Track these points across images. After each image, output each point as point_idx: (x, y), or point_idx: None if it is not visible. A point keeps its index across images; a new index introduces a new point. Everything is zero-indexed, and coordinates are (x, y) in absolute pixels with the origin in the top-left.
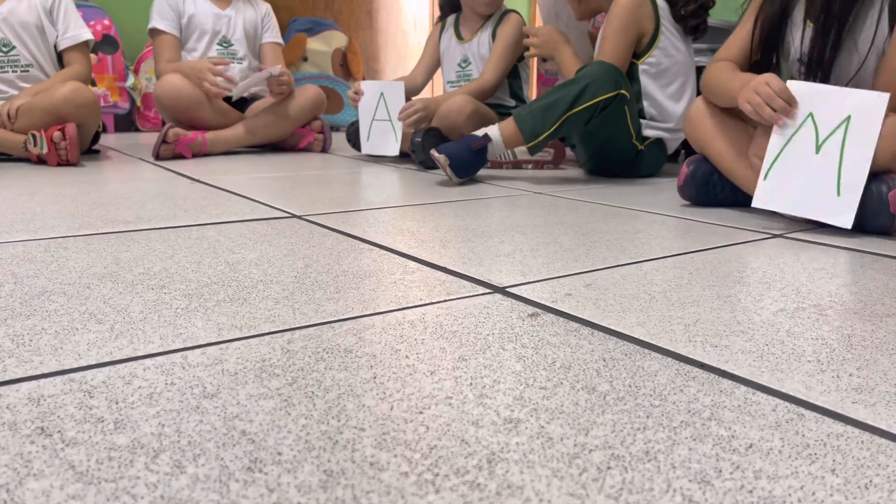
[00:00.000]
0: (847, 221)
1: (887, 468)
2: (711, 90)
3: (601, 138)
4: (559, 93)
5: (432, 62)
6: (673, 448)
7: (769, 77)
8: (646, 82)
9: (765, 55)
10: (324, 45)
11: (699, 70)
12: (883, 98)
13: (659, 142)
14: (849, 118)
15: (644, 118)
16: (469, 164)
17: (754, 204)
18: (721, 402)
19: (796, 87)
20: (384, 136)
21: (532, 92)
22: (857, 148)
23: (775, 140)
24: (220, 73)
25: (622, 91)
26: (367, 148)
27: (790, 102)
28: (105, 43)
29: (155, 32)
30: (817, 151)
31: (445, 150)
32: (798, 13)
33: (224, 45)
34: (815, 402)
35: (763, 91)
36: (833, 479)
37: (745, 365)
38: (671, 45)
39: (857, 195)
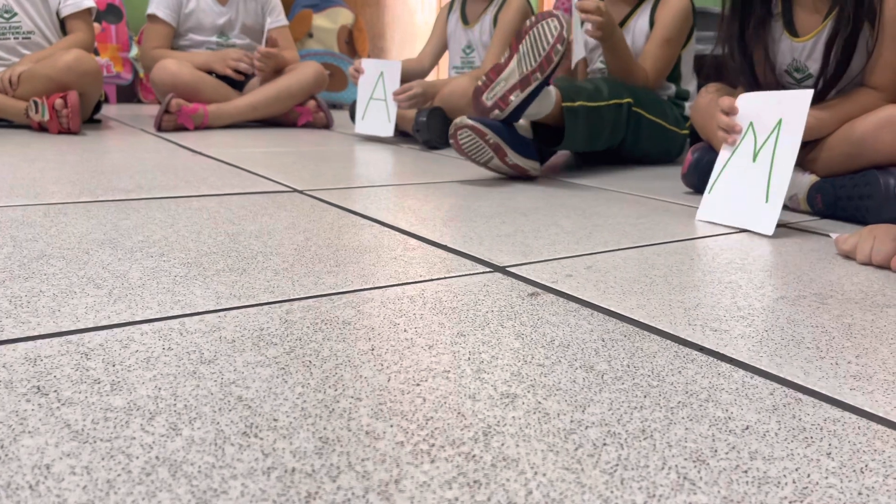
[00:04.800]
0: (769, 228)
1: (883, 453)
2: (702, 129)
3: (640, 146)
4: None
5: (440, 44)
6: (669, 427)
7: (721, 100)
8: (685, 68)
9: (743, 75)
10: (329, 22)
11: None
12: (807, 94)
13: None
14: (780, 122)
15: (689, 100)
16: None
17: (698, 218)
18: (719, 385)
19: (742, 98)
20: (378, 116)
21: None
22: (785, 151)
23: (723, 154)
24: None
25: (627, 100)
26: (360, 127)
27: (730, 112)
28: (109, 12)
29: (152, 18)
30: (754, 160)
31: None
32: (776, 28)
33: (222, 37)
34: (813, 387)
35: (713, 110)
36: (829, 462)
37: (745, 349)
38: (692, 41)
39: (781, 199)
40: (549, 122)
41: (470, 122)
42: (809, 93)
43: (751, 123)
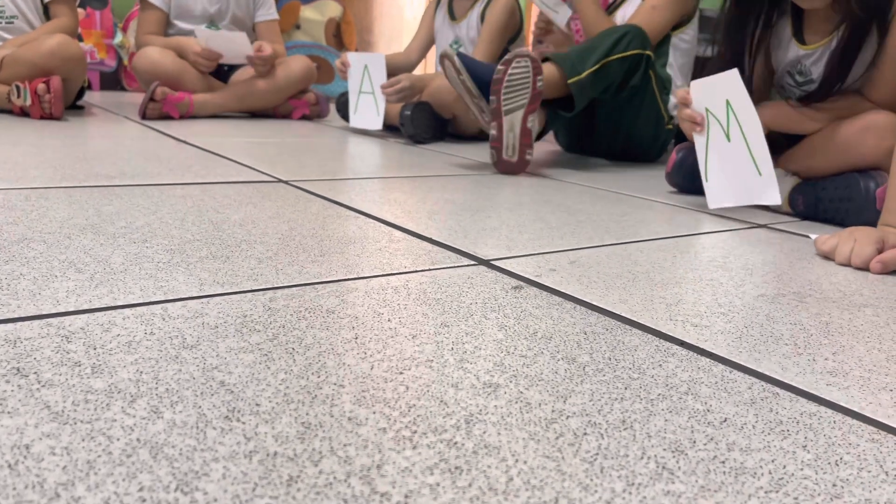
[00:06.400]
0: (774, 198)
1: (858, 447)
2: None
3: (632, 112)
4: (595, 41)
5: (427, 39)
6: (649, 419)
7: (676, 94)
8: (674, 53)
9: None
10: (317, 14)
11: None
12: (733, 74)
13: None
14: (728, 102)
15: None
16: (483, 76)
17: (710, 206)
18: (699, 378)
19: (694, 85)
20: (368, 110)
21: None
22: (749, 125)
23: (698, 141)
24: (206, 55)
25: (648, 52)
26: (354, 121)
27: (684, 103)
28: None
29: (145, 4)
30: (728, 139)
31: (465, 59)
32: (784, 32)
33: (212, 27)
34: (791, 382)
35: (680, 111)
36: (804, 455)
37: (724, 345)
38: (693, 25)
39: (772, 169)
40: (555, 95)
41: (534, 54)
42: (734, 72)
43: (707, 109)
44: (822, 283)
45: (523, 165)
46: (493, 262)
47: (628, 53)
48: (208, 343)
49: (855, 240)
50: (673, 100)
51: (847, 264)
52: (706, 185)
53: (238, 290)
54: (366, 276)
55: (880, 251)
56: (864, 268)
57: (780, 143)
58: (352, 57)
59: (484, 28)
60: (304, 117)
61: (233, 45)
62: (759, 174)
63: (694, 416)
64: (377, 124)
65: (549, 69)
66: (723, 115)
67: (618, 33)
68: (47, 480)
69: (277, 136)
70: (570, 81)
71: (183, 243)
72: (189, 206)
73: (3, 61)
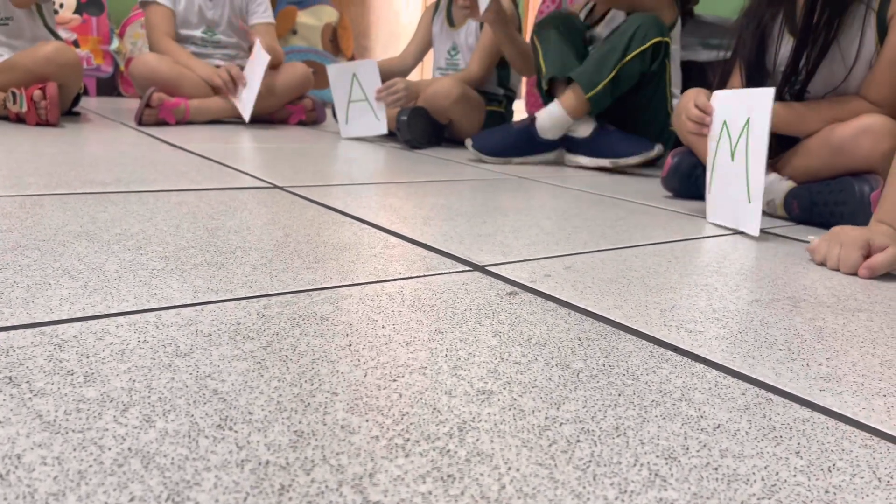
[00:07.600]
0: (754, 229)
1: (851, 453)
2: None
3: (644, 100)
4: (608, 45)
5: (423, 44)
6: (642, 425)
7: (696, 93)
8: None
9: (752, 81)
10: (314, 20)
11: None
12: (769, 93)
13: None
14: (748, 120)
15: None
16: (501, 143)
17: (708, 218)
18: (692, 385)
19: (717, 96)
20: (365, 117)
21: (522, 81)
22: (755, 149)
23: (710, 153)
24: (230, 78)
25: (666, 39)
26: (347, 131)
27: (705, 111)
28: (90, 4)
29: (148, 4)
30: (732, 158)
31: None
32: (775, 28)
33: (208, 33)
34: (784, 388)
35: (686, 106)
36: (797, 461)
37: (718, 350)
38: (675, 34)
39: (760, 199)
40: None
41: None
42: (771, 91)
43: (724, 122)
44: (817, 287)
45: None
46: (488, 268)
47: (647, 46)
48: (202, 351)
49: (841, 245)
50: (674, 101)
51: (837, 270)
52: (707, 196)
53: (232, 297)
54: (360, 282)
55: (867, 255)
56: (853, 273)
57: (772, 146)
58: (331, 70)
59: (483, 35)
60: (301, 123)
61: (252, 65)
62: (749, 201)
63: (687, 423)
64: (380, 128)
65: (568, 93)
66: (736, 131)
67: (630, 30)
68: (38, 491)
69: (273, 142)
70: (588, 96)
71: (177, 250)
72: (184, 212)
73: None
